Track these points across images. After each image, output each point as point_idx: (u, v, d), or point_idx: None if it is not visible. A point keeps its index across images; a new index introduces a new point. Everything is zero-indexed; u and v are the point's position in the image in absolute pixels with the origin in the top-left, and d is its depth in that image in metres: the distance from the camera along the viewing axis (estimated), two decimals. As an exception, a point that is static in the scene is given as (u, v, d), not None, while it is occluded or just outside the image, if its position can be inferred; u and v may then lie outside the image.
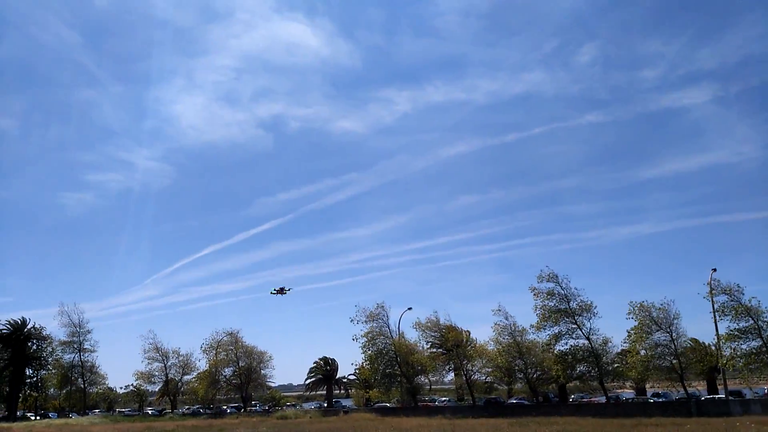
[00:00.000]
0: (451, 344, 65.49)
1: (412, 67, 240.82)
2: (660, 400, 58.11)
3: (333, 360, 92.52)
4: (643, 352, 53.86)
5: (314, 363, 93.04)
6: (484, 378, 69.14)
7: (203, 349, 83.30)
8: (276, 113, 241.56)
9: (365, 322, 68.33)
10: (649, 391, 66.83)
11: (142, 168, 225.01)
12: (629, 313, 54.34)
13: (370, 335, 68.25)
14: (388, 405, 72.02)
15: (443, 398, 79.56)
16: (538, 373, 60.56)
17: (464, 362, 65.26)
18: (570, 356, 56.43)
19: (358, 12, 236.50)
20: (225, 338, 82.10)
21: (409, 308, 72.02)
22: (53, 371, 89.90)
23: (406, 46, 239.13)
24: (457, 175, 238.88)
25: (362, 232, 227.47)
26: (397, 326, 69.76)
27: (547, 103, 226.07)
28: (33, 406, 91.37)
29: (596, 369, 55.39)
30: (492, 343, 62.60)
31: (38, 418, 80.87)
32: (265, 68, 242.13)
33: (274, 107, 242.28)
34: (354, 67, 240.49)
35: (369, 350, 68.76)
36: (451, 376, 74.90)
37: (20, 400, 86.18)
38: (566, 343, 57.18)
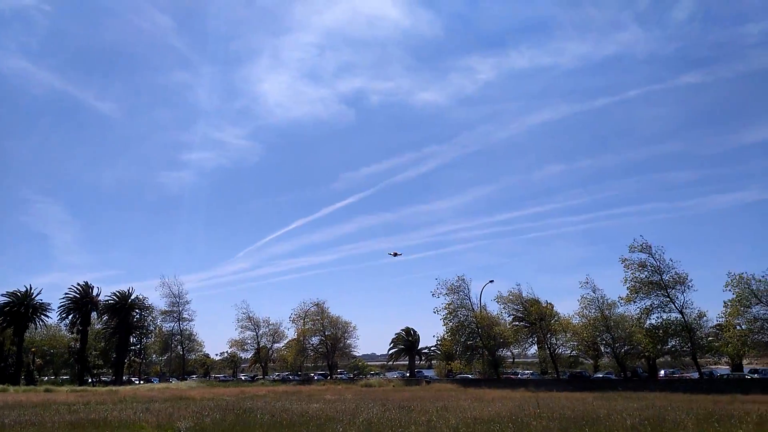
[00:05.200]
0: (534, 317, 64.81)
1: (495, 32, 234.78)
2: (758, 376, 55.27)
3: (415, 331, 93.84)
4: (740, 326, 51.26)
5: (396, 334, 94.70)
6: (569, 352, 68.08)
7: (292, 318, 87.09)
8: (358, 88, 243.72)
9: (446, 294, 68.75)
10: (746, 368, 63.56)
11: (233, 146, 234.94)
12: (727, 285, 51.55)
13: (451, 307, 68.65)
14: (469, 376, 72.49)
15: (526, 371, 79.08)
16: (626, 347, 58.78)
17: (548, 335, 64.49)
18: (661, 330, 54.35)
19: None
20: (312, 308, 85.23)
21: (491, 281, 71.78)
22: (155, 339, 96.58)
23: (488, 11, 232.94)
24: (544, 144, 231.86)
25: (445, 204, 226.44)
26: (478, 299, 69.81)
27: (641, 64, 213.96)
28: (137, 371, 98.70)
29: (689, 344, 53.15)
30: (577, 316, 61.48)
31: (141, 382, 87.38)
32: (346, 43, 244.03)
33: (355, 82, 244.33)
34: (435, 37, 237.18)
35: (450, 322, 69.26)
36: (534, 349, 74.17)
37: (125, 365, 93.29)
38: (658, 317, 55.13)
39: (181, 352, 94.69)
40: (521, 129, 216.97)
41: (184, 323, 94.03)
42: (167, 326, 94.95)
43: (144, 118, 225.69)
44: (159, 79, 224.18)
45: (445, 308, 68.81)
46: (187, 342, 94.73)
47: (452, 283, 68.71)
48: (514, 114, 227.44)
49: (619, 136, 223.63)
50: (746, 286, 50.35)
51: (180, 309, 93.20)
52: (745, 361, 61.47)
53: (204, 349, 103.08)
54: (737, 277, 51.02)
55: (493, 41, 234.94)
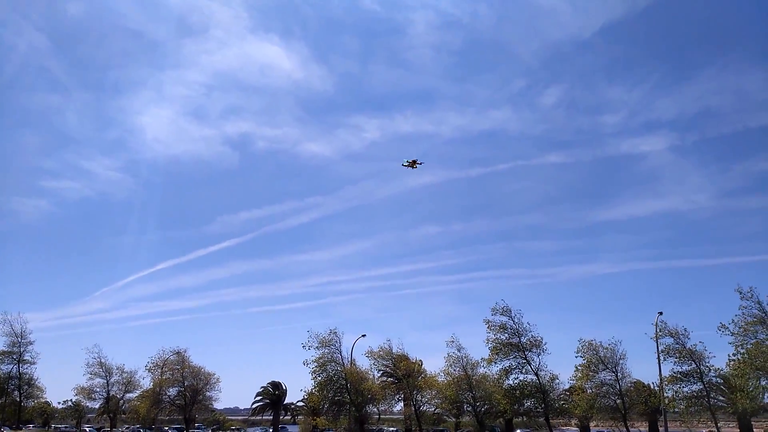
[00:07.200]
0: (402, 373, 65.16)
1: (383, 96, 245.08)
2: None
3: (282, 385, 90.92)
4: (589, 390, 54.72)
5: (262, 387, 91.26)
6: (433, 409, 68.79)
7: (148, 367, 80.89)
8: (244, 132, 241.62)
9: (317, 347, 67.20)
10: (593, 429, 67.62)
11: (101, 178, 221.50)
12: (578, 351, 55.29)
13: (321, 361, 67.05)
14: (334, 433, 70.96)
15: (391, 428, 78.76)
16: (486, 406, 60.60)
17: (414, 392, 64.92)
18: (518, 391, 56.73)
19: (333, 38, 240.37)
20: (172, 357, 79.90)
21: (363, 335, 71.31)
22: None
23: (378, 75, 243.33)
24: (421, 206, 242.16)
25: (322, 256, 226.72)
26: (349, 353, 69.05)
27: (512, 141, 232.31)
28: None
29: (543, 405, 55.81)
30: (443, 374, 62.63)
31: (-34, 431, 77.17)
32: (236, 86, 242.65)
33: (242, 126, 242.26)
34: (326, 92, 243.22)
35: (319, 377, 67.58)
36: (400, 405, 74.21)
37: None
38: (516, 378, 57.62)
39: (17, 398, 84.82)
40: (402, 189, 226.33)
41: (25, 366, 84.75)
42: (4, 368, 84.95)
43: (4, 140, 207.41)
44: (26, 100, 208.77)
45: (315, 361, 67.29)
46: (25, 387, 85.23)
47: (324, 336, 67.49)
48: (396, 174, 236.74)
49: (489, 204, 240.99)
50: (594, 353, 54.29)
51: (21, 350, 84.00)
52: (592, 423, 65.41)
53: (45, 396, 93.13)
54: (587, 344, 54.97)
55: (380, 104, 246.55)
